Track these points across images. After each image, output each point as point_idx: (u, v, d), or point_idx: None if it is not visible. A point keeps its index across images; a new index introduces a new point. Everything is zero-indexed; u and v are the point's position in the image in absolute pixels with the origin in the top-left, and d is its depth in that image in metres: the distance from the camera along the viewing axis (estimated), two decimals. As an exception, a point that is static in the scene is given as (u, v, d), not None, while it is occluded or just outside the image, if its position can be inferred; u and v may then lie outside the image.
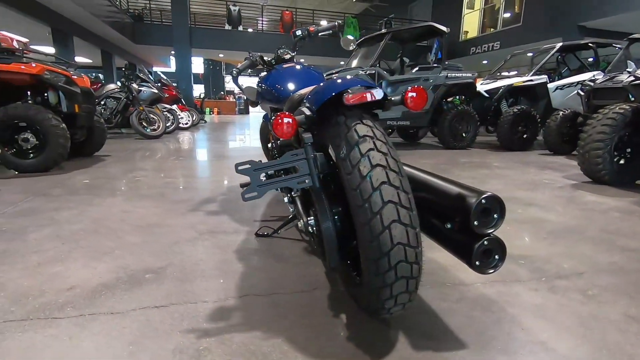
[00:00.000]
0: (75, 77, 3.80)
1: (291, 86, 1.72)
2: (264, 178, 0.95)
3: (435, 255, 1.63)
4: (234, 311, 1.18)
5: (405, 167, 1.24)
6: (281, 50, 2.16)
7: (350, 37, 2.41)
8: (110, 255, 1.61)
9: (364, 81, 0.98)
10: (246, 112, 23.81)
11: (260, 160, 1.00)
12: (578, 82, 5.97)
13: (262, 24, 14.96)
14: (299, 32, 2.27)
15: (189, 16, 13.25)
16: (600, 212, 2.36)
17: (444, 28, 5.78)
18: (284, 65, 1.98)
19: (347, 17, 14.83)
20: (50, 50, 9.23)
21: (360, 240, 0.88)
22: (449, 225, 1.01)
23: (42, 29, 9.27)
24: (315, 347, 1.01)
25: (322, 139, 1.02)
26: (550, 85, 6.25)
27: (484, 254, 0.93)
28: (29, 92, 3.54)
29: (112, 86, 7.11)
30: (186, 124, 9.35)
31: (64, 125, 3.41)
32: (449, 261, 1.58)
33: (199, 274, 1.44)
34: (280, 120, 0.93)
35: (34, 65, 3.36)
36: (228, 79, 28.89)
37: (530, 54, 7.38)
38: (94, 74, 11.65)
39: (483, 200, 0.90)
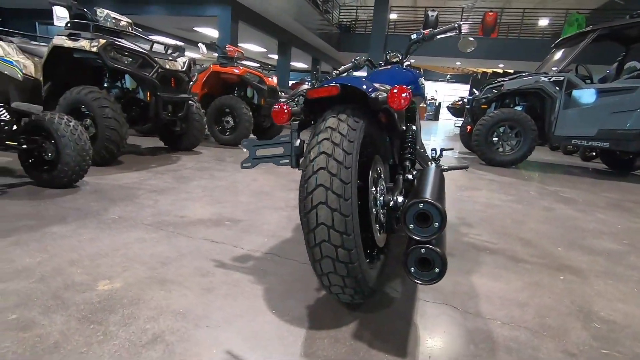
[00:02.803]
0: (268, 78, 4.94)
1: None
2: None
3: (473, 279, 1.45)
4: (252, 260, 1.49)
5: (431, 175, 1.20)
6: (390, 54, 2.27)
7: (470, 38, 2.24)
8: (221, 205, 2.21)
9: (349, 78, 1.07)
10: (435, 118, 23.30)
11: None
12: None
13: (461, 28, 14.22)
14: (413, 36, 2.30)
15: (387, 24, 14.14)
16: None
17: (695, 20, 4.13)
18: (381, 68, 2.09)
19: (571, 14, 12.19)
20: (274, 57, 11.94)
21: (300, 217, 1.01)
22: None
23: (272, 42, 12.09)
24: (277, 301, 1.20)
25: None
26: None
27: (421, 262, 0.89)
28: (236, 88, 4.88)
29: (305, 86, 8.59)
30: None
31: (250, 113, 4.54)
32: (484, 289, 1.38)
33: (257, 231, 1.82)
34: (278, 109, 1.16)
35: (240, 68, 4.61)
36: (427, 84, 28.80)
37: None
38: (305, 77, 14.15)
39: (420, 205, 0.86)
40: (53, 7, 2.97)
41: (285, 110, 1.15)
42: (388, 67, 2.09)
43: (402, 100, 1.01)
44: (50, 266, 1.30)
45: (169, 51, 3.45)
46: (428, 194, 0.92)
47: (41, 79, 2.97)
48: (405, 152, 1.39)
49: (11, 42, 3.06)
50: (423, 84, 2.11)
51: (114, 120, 2.80)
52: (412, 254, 0.88)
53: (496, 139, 4.84)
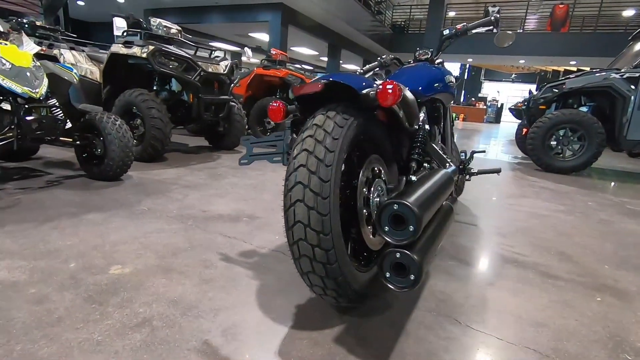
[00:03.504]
0: (311, 80, 5.01)
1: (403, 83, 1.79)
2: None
3: (488, 292, 1.32)
4: (257, 256, 1.51)
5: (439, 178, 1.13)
6: (420, 52, 2.18)
7: (509, 32, 2.07)
8: (244, 202, 2.28)
9: (340, 75, 1.04)
10: (496, 121, 21.70)
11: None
12: None
13: (525, 22, 13.13)
14: (446, 31, 2.18)
15: (443, 22, 13.54)
16: None
17: None
18: (407, 66, 2.01)
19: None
20: (324, 59, 12.08)
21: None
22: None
23: (323, 44, 12.24)
24: (269, 297, 1.20)
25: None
26: None
27: (396, 268, 0.83)
28: (278, 90, 5.01)
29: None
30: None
31: (290, 114, 4.64)
32: (498, 304, 1.25)
33: (271, 229, 1.84)
34: (273, 107, 1.16)
35: (283, 70, 4.73)
36: (486, 84, 27.20)
37: None
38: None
39: (395, 206, 0.81)
40: (113, 19, 3.30)
41: (281, 108, 1.15)
42: (415, 64, 2.00)
43: (392, 97, 0.95)
44: (77, 249, 1.44)
45: (213, 55, 3.65)
46: (411, 196, 0.86)
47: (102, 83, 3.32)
48: (413, 153, 1.32)
49: (83, 51, 3.46)
50: (452, 81, 1.99)
51: (159, 120, 3.03)
52: (387, 258, 0.83)
53: (554, 142, 4.39)
